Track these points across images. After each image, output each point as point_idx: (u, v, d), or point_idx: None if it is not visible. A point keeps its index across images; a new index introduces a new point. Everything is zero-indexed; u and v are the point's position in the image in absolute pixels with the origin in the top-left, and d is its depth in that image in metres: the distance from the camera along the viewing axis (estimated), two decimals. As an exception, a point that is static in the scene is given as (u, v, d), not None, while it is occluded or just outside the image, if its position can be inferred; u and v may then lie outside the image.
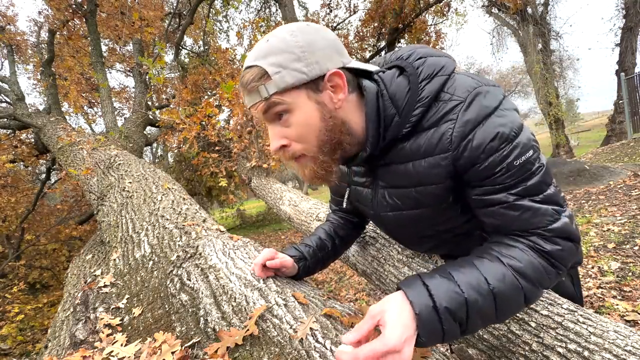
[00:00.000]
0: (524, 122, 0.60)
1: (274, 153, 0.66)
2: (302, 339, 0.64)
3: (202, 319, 0.80)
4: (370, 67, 0.67)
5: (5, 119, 5.05)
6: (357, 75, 0.66)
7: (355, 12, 7.89)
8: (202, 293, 0.86)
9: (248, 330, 0.68)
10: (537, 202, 0.57)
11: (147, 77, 5.25)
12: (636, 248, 2.41)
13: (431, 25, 8.06)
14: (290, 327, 0.68)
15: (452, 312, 0.51)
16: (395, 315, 0.50)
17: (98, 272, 1.36)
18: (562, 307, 0.77)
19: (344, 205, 0.87)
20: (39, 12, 7.73)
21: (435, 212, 0.71)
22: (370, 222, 1.22)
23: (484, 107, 0.57)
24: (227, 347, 0.68)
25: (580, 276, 2.29)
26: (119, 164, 2.71)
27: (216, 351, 0.67)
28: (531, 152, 0.57)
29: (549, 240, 0.57)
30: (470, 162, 0.58)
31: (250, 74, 0.59)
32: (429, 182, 0.65)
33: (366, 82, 0.65)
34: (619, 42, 9.44)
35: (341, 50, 0.63)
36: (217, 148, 4.21)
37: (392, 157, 0.67)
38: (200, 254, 1.04)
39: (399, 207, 0.73)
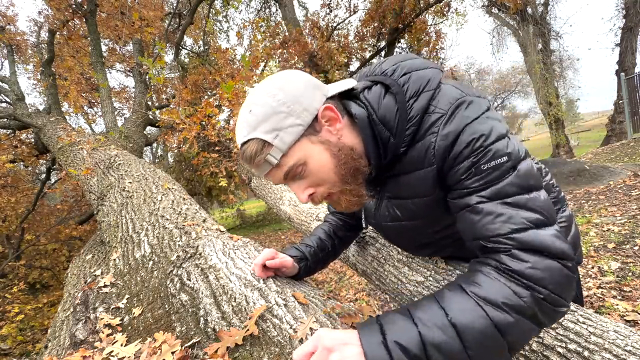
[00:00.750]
0: (519, 128, 0.59)
1: (304, 202, 0.66)
2: (302, 339, 0.64)
3: (202, 319, 0.79)
4: (347, 84, 0.67)
5: (5, 119, 5.04)
6: (340, 97, 0.67)
7: (355, 12, 7.89)
8: (202, 293, 0.86)
9: (248, 330, 0.68)
10: (505, 204, 0.53)
11: (147, 77, 5.25)
12: (636, 248, 2.42)
13: (431, 25, 8.05)
14: (290, 327, 0.68)
15: (403, 348, 0.45)
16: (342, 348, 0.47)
17: (98, 272, 1.36)
18: (562, 307, 0.77)
19: (364, 225, 0.87)
20: (39, 12, 7.73)
21: (431, 222, 0.73)
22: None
23: (464, 117, 0.57)
24: (227, 347, 0.68)
25: (580, 276, 2.30)
26: (119, 164, 2.71)
27: (216, 351, 0.67)
28: (504, 158, 0.54)
29: (515, 257, 0.51)
30: (448, 168, 0.59)
31: (250, 149, 0.60)
32: (422, 194, 0.66)
33: (355, 109, 0.64)
34: (619, 42, 9.44)
35: (317, 84, 0.63)
36: (217, 148, 4.20)
37: (397, 169, 0.67)
38: (200, 254, 1.04)
39: (399, 218, 0.74)
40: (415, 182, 0.64)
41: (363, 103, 0.65)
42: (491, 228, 0.53)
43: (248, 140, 0.60)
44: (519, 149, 0.57)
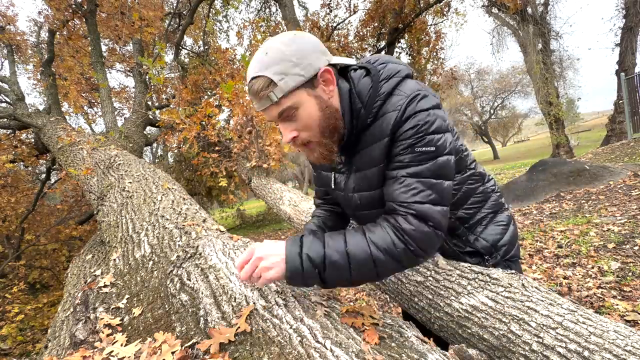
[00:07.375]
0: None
1: (286, 144, 0.80)
2: (302, 339, 0.64)
3: (202, 319, 0.79)
4: (348, 60, 0.81)
5: (5, 119, 5.04)
6: (339, 70, 0.81)
7: (355, 12, 7.89)
8: (202, 293, 0.86)
9: (239, 327, 0.68)
10: (418, 182, 0.71)
11: (147, 77, 5.25)
12: (636, 248, 2.42)
13: (431, 25, 8.07)
14: (290, 327, 0.68)
15: (311, 259, 0.67)
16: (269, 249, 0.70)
17: (98, 272, 1.36)
18: (562, 307, 0.77)
19: (332, 187, 0.97)
20: (39, 12, 7.75)
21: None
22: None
23: (418, 106, 0.72)
24: (225, 347, 0.68)
25: (581, 276, 2.30)
26: (119, 164, 2.71)
27: (208, 349, 0.67)
28: (432, 148, 0.71)
29: (407, 220, 0.70)
30: (395, 141, 0.74)
31: (258, 83, 0.70)
32: (377, 163, 0.78)
33: (342, 82, 0.79)
34: (619, 42, 9.45)
35: (324, 50, 0.76)
36: (217, 148, 4.20)
37: (362, 143, 0.80)
38: (200, 254, 1.04)
39: (360, 188, 0.86)
40: (374, 152, 0.78)
41: (349, 79, 0.80)
42: (403, 196, 0.72)
43: (258, 76, 0.70)
44: (446, 146, 0.73)
